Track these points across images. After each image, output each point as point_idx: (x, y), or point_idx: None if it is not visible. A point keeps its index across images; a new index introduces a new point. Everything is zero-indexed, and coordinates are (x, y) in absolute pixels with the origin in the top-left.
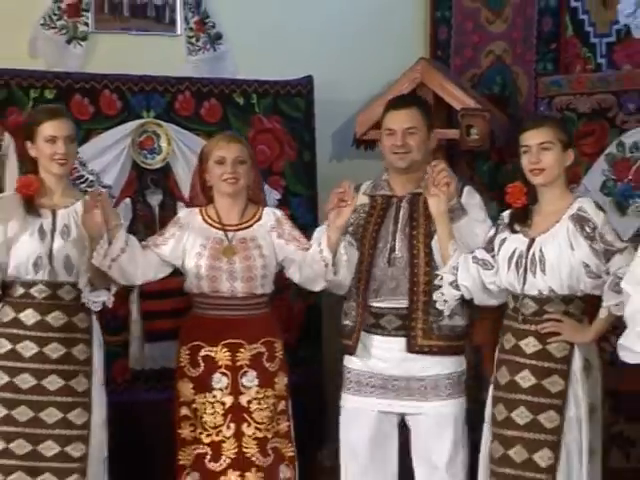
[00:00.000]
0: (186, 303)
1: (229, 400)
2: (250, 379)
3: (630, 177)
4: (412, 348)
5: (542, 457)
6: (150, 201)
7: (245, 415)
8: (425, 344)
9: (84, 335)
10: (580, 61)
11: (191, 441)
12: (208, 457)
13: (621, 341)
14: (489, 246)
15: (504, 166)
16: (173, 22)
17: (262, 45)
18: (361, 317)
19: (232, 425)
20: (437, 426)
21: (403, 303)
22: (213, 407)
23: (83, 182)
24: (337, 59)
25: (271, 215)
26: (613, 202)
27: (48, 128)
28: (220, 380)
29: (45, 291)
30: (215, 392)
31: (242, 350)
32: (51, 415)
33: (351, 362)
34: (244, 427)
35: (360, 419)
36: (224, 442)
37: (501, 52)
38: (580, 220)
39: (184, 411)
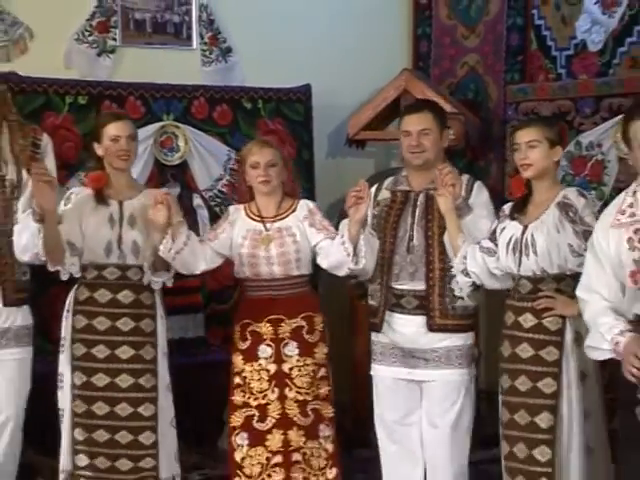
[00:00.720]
0: (199, 282)
1: (273, 368)
2: (291, 349)
3: (586, 172)
4: (431, 327)
5: (542, 419)
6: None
7: (287, 381)
8: (442, 323)
9: (149, 310)
10: (543, 71)
11: (240, 406)
12: (255, 418)
13: (587, 342)
14: (492, 235)
15: (477, 162)
16: (189, 37)
17: (267, 57)
18: (385, 298)
19: (276, 389)
20: (445, 392)
21: (421, 286)
22: (259, 374)
23: None
24: (332, 70)
25: (304, 206)
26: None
27: (112, 129)
28: (265, 350)
29: (115, 273)
30: (261, 361)
31: (283, 324)
32: (124, 380)
33: (377, 337)
34: (286, 391)
35: (388, 385)
36: (269, 405)
37: (474, 63)
38: (565, 206)
39: (237, 380)
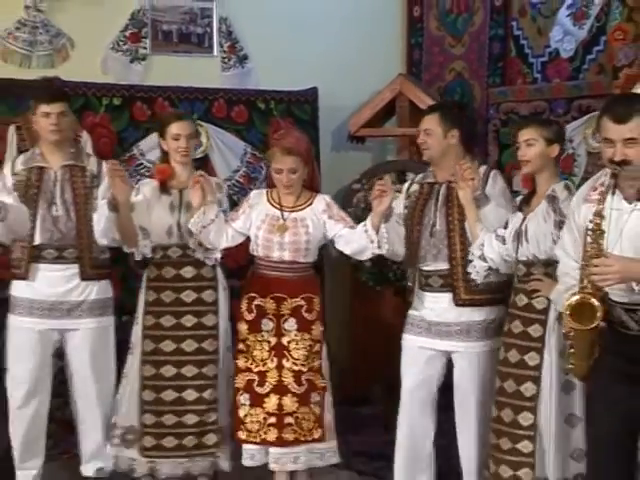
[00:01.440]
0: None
1: (273, 340)
2: (290, 325)
3: (559, 164)
4: (457, 302)
5: (527, 389)
6: None
7: (285, 352)
8: (467, 298)
9: (210, 283)
10: (521, 76)
11: (244, 369)
12: (256, 382)
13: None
14: (506, 225)
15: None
16: (211, 46)
17: (278, 64)
18: (416, 279)
19: (275, 359)
20: (470, 361)
21: (444, 266)
22: (261, 345)
23: (142, 168)
24: (335, 75)
25: (322, 201)
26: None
27: (174, 128)
28: (267, 324)
29: (177, 252)
30: (263, 333)
31: (285, 302)
32: (189, 345)
33: (412, 312)
34: (284, 361)
35: (413, 354)
36: (268, 372)
37: (460, 69)
38: (552, 198)
39: (241, 346)
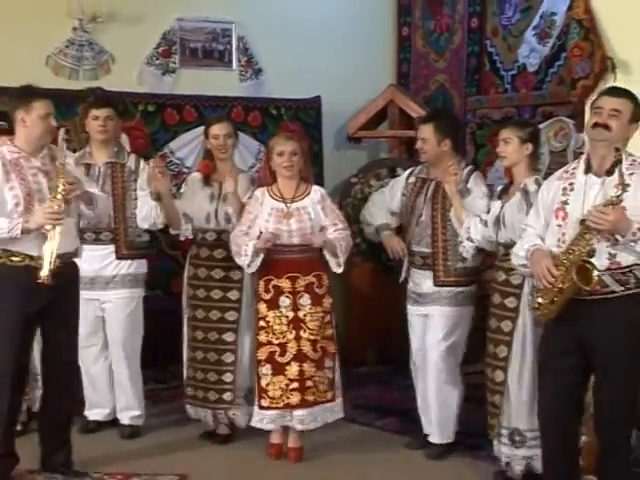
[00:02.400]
0: None
1: (291, 314)
2: (305, 300)
3: None
4: (437, 283)
5: (501, 351)
6: None
7: (302, 324)
8: (445, 280)
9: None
10: (493, 86)
11: (265, 343)
12: (277, 353)
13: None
14: (488, 211)
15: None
16: (230, 61)
17: (288, 76)
18: (409, 257)
19: (293, 331)
20: (441, 322)
21: (424, 249)
22: (280, 319)
23: (172, 164)
24: (336, 85)
25: (318, 192)
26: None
27: (214, 129)
28: (284, 301)
29: (213, 235)
30: (282, 309)
31: (299, 280)
32: (214, 315)
33: (408, 285)
34: (301, 332)
35: (411, 320)
36: (288, 343)
37: (443, 81)
38: (524, 191)
39: (261, 323)
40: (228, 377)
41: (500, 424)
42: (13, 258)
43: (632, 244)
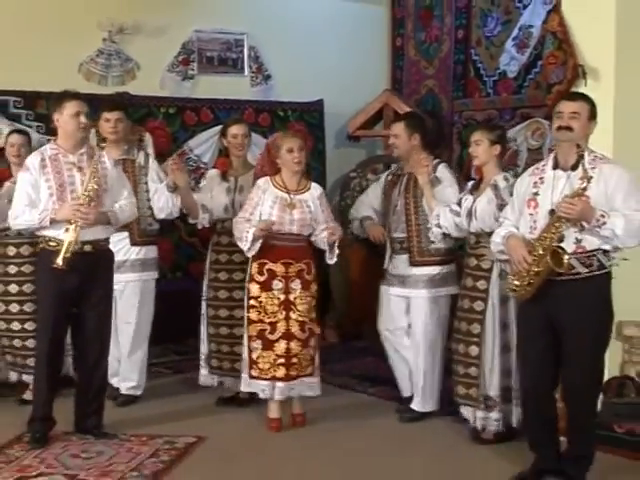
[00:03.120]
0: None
1: (282, 296)
2: (296, 284)
3: (505, 159)
4: (412, 262)
5: (474, 328)
6: None
7: (292, 306)
8: (420, 259)
9: None
10: (477, 91)
11: (256, 321)
12: (267, 331)
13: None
14: (459, 202)
15: (434, 150)
16: (242, 68)
17: (294, 82)
18: (389, 243)
19: (284, 312)
20: (424, 304)
21: (401, 234)
22: (272, 300)
23: (190, 160)
24: (337, 90)
25: (318, 189)
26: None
27: (233, 129)
28: (277, 284)
29: (231, 224)
30: (274, 291)
31: (291, 266)
32: (237, 294)
33: (387, 268)
34: (291, 313)
35: (386, 300)
36: (278, 322)
37: (432, 86)
38: (494, 187)
39: (252, 302)
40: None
41: (478, 392)
42: (51, 243)
43: (597, 229)
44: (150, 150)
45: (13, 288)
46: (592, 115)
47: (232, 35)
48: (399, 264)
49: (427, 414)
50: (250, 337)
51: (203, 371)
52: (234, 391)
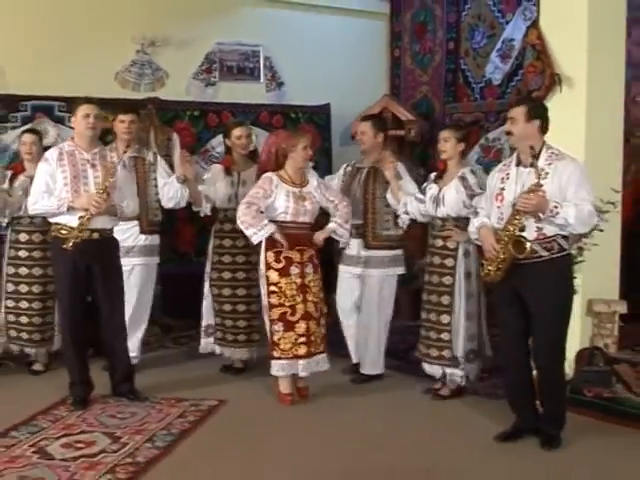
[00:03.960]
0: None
1: (299, 281)
2: (310, 269)
3: (491, 156)
4: (367, 246)
5: (445, 299)
6: None
7: (307, 289)
8: (374, 244)
9: None
10: (466, 96)
11: (277, 305)
12: (288, 313)
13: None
14: (422, 191)
15: (428, 150)
16: (258, 76)
17: (304, 88)
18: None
19: (301, 295)
20: (377, 282)
21: (358, 222)
22: (291, 285)
23: (212, 157)
24: (342, 95)
25: (314, 179)
26: (483, 169)
27: (237, 131)
28: (294, 270)
29: (233, 213)
30: (292, 276)
31: (305, 252)
32: (240, 275)
33: (345, 250)
34: (307, 296)
35: (345, 278)
36: (297, 305)
37: (426, 91)
38: (462, 179)
39: (272, 288)
40: (255, 322)
41: (451, 353)
42: (62, 231)
43: (552, 219)
44: (176, 148)
45: (23, 271)
46: (530, 116)
47: (249, 47)
48: (355, 246)
49: (374, 376)
50: (272, 321)
51: (203, 340)
52: (232, 360)
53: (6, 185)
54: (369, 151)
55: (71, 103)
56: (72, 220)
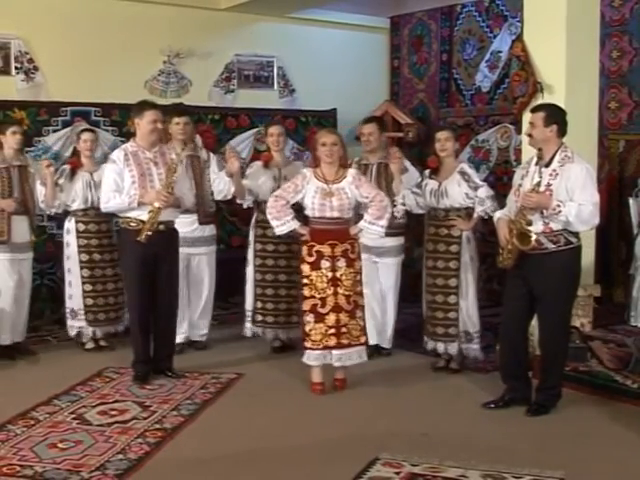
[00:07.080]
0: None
1: (330, 274)
2: (341, 262)
3: (481, 156)
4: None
5: (452, 282)
6: None
7: (339, 282)
8: (387, 232)
9: None
10: (458, 102)
11: (308, 297)
12: (319, 305)
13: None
14: (419, 185)
15: (425, 150)
16: (272, 84)
17: (313, 94)
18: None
19: (332, 288)
20: (388, 268)
21: None
22: (322, 278)
23: None
24: (347, 101)
25: (351, 175)
26: (474, 167)
27: (270, 129)
28: (325, 263)
29: None
30: (323, 270)
31: (337, 246)
32: (282, 262)
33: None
34: (338, 289)
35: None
36: (327, 297)
37: (422, 98)
38: (463, 173)
39: (305, 280)
40: (295, 305)
41: (457, 330)
42: (132, 223)
43: (554, 216)
44: (201, 151)
45: (96, 257)
46: (548, 122)
47: (264, 58)
48: (368, 235)
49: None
50: (304, 312)
51: (248, 324)
52: (274, 340)
53: (63, 180)
54: (375, 149)
55: (135, 108)
56: (141, 214)
